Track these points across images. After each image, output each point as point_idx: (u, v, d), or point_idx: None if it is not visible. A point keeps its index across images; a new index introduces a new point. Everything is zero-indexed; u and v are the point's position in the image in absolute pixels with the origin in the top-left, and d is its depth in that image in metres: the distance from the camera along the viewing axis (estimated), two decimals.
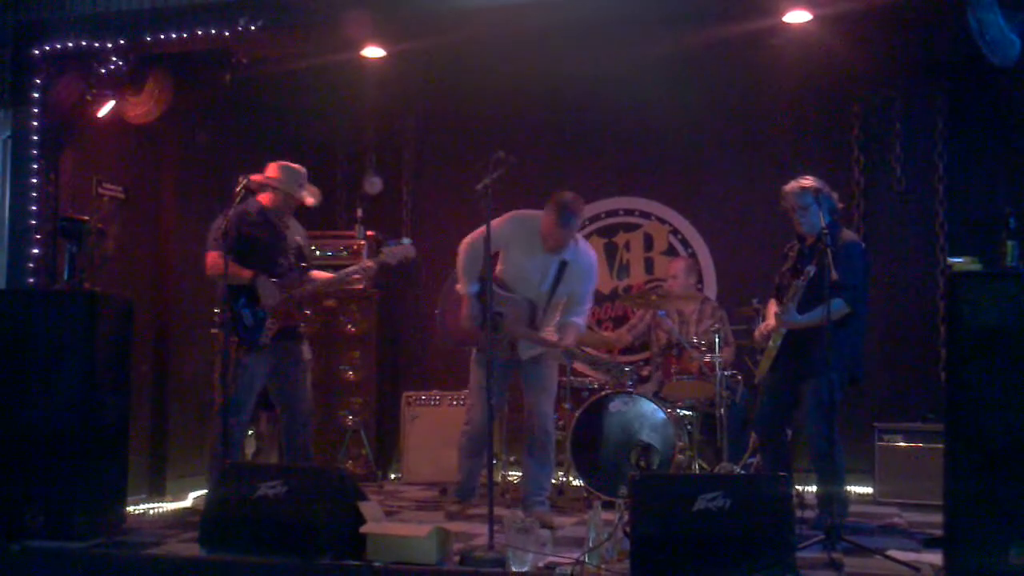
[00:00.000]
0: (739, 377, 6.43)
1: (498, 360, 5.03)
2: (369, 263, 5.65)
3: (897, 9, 5.73)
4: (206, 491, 4.99)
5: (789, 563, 3.95)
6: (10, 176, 5.84)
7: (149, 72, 6.06)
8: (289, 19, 5.77)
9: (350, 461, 7.09)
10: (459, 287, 5.55)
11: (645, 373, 6.76)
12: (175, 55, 6.04)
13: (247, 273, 5.28)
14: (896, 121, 7.06)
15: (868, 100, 7.14)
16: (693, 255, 7.47)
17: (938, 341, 6.71)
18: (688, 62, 6.68)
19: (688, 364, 6.34)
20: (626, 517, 4.26)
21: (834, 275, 4.70)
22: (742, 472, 5.94)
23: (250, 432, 6.58)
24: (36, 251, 5.72)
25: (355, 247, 7.19)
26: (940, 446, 4.64)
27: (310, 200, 5.65)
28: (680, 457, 6.03)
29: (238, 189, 5.32)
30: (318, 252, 7.23)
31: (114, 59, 5.86)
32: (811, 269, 4.99)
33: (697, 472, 6.15)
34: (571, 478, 6.39)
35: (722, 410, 6.03)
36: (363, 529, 4.32)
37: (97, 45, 5.83)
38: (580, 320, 5.47)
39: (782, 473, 4.53)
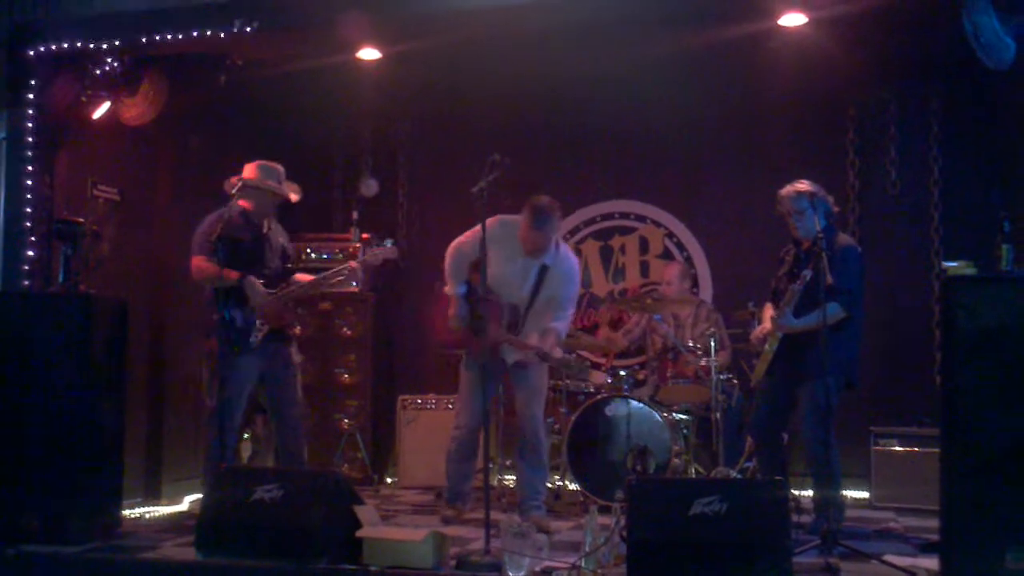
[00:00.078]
0: (735, 381, 6.44)
1: (487, 364, 5.03)
2: (352, 264, 5.67)
3: (892, 12, 5.73)
4: (202, 495, 4.97)
5: (785, 568, 3.95)
6: (5, 178, 5.82)
7: (144, 73, 6.04)
8: (284, 21, 5.76)
9: (346, 465, 7.07)
10: (446, 289, 5.58)
11: (641, 377, 6.76)
12: (170, 57, 6.02)
13: (234, 274, 5.26)
14: (891, 124, 7.08)
15: (863, 103, 7.15)
16: (689, 259, 7.47)
17: (933, 345, 6.72)
18: (684, 66, 6.67)
19: (684, 368, 6.34)
20: (622, 521, 4.26)
21: (830, 279, 4.71)
22: (738, 476, 5.95)
23: (246, 436, 6.57)
24: (31, 253, 5.70)
25: (351, 249, 7.18)
26: (936, 450, 4.65)
27: (293, 196, 5.64)
28: (676, 461, 6.04)
29: (234, 192, 5.32)
30: (313, 255, 7.23)
31: (109, 60, 5.85)
32: (807, 273, 4.99)
33: (693, 476, 6.14)
34: (568, 482, 6.39)
35: (718, 414, 6.02)
36: (359, 533, 4.31)
37: (92, 46, 5.80)
38: (561, 324, 5.47)
39: (778, 477, 4.53)
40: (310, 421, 6.52)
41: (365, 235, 7.34)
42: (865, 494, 6.43)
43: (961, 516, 4.13)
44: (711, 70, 6.84)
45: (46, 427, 4.94)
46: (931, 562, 4.33)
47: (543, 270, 5.43)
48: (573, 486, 6.29)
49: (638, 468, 5.83)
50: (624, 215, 7.72)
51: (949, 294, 4.33)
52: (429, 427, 6.96)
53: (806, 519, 5.16)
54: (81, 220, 5.39)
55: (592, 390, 6.49)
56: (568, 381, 6.40)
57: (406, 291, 7.70)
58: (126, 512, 5.64)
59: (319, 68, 6.51)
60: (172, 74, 6.17)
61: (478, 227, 5.35)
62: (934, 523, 4.44)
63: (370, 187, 7.82)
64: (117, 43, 5.79)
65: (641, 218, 7.68)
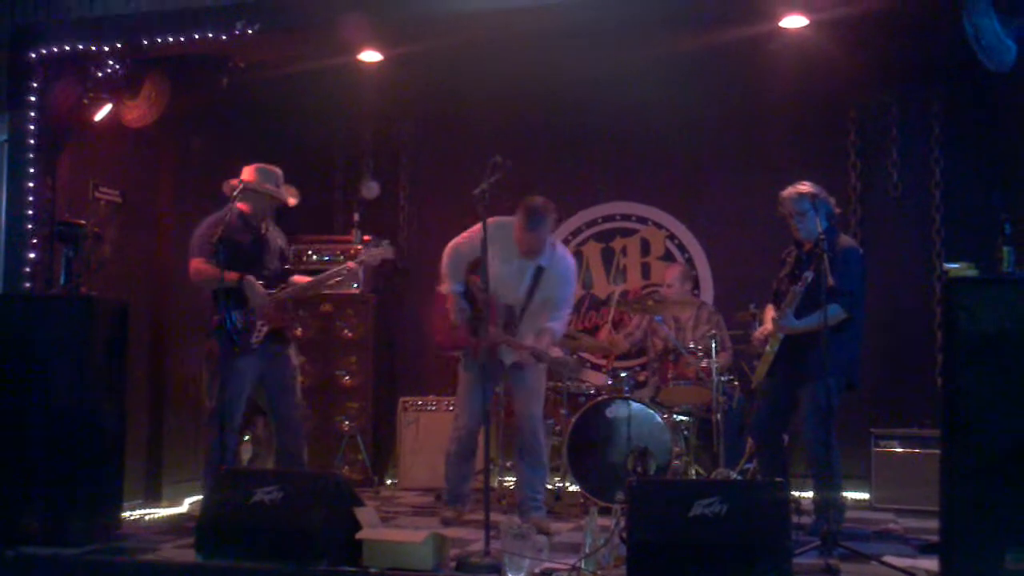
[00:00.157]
0: (736, 382, 6.43)
1: (486, 364, 5.04)
2: (351, 264, 5.68)
3: (893, 15, 5.74)
4: (202, 496, 4.97)
5: (785, 569, 3.95)
6: (6, 180, 5.82)
7: (146, 76, 6.04)
8: (286, 23, 5.76)
9: (346, 466, 7.07)
10: (442, 287, 5.58)
11: (642, 378, 6.76)
12: (172, 59, 6.03)
13: (233, 275, 5.26)
14: (892, 126, 7.08)
15: (865, 105, 7.15)
16: (690, 260, 7.47)
17: (935, 347, 6.72)
18: (685, 67, 6.68)
19: (685, 369, 6.34)
20: (623, 523, 4.26)
21: (831, 281, 4.71)
22: (739, 478, 5.95)
23: (246, 437, 6.57)
24: (33, 255, 5.71)
25: (352, 251, 7.17)
26: (937, 452, 4.65)
27: (291, 200, 5.65)
28: (677, 463, 6.04)
29: (235, 193, 5.33)
30: (315, 256, 7.23)
31: (111, 63, 5.85)
32: (809, 275, 4.99)
33: (694, 478, 6.14)
34: (568, 483, 6.38)
35: (719, 415, 6.02)
36: (359, 535, 4.31)
37: (94, 48, 5.81)
38: (557, 325, 5.47)
39: (779, 479, 4.54)
40: (311, 423, 6.52)
41: (366, 237, 7.32)
42: (865, 495, 6.43)
43: (961, 517, 4.13)
44: (712, 72, 6.84)
45: (46, 429, 4.94)
46: (931, 563, 4.32)
47: (539, 271, 5.44)
48: (573, 487, 6.29)
49: (638, 469, 5.83)
50: (625, 217, 7.72)
51: (950, 296, 4.34)
52: (429, 429, 6.97)
53: (806, 520, 5.16)
54: (82, 222, 5.40)
55: (593, 391, 6.49)
56: (568, 382, 6.41)
57: (407, 293, 7.71)
58: (126, 514, 5.64)
59: (320, 70, 6.52)
60: (174, 76, 6.17)
61: (475, 228, 5.41)
62: (934, 524, 4.44)
63: (371, 189, 7.82)
64: (119, 45, 5.79)
65: (642, 220, 7.68)
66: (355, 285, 7.22)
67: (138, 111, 6.08)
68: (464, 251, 5.51)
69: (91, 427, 5.01)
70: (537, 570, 4.20)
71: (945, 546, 4.21)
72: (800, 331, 5.10)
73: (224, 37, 5.67)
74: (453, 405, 6.81)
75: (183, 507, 6.31)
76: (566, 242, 7.70)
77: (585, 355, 7.63)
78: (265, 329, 5.38)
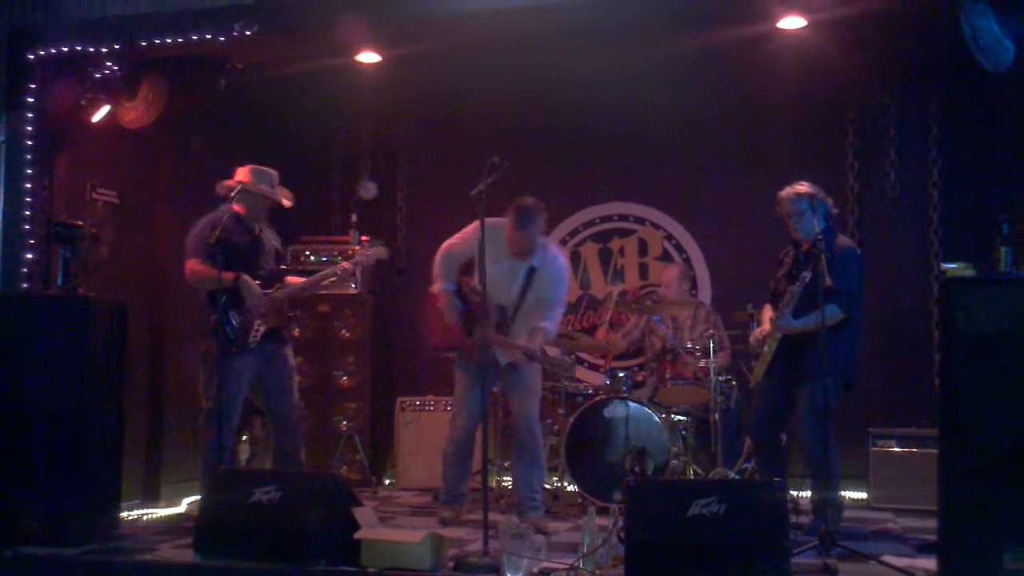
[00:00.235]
0: (734, 382, 6.44)
1: (483, 364, 5.05)
2: (345, 264, 5.69)
3: (891, 15, 5.74)
4: (200, 497, 4.97)
5: (784, 568, 3.95)
6: (4, 181, 5.83)
7: (144, 77, 6.04)
8: (284, 24, 5.76)
9: (344, 467, 7.07)
10: (435, 287, 5.59)
11: (640, 378, 6.76)
12: (170, 60, 6.03)
13: (229, 275, 5.26)
14: (890, 126, 7.08)
15: (863, 106, 7.16)
16: (687, 261, 7.47)
17: (932, 347, 6.72)
18: (683, 68, 6.68)
19: (683, 369, 6.34)
20: (621, 523, 4.26)
21: (829, 281, 4.72)
22: (737, 477, 5.95)
23: (244, 438, 6.57)
24: (30, 256, 5.71)
25: (350, 252, 7.17)
26: (934, 451, 4.66)
27: (286, 202, 5.65)
28: (675, 462, 6.04)
29: (233, 195, 5.33)
30: (312, 257, 7.23)
31: (109, 64, 5.85)
32: (807, 275, 4.99)
33: (692, 477, 6.14)
34: (566, 483, 6.39)
35: (717, 415, 6.03)
36: (357, 535, 4.31)
37: (92, 50, 5.81)
38: (549, 324, 5.48)
39: (777, 478, 4.54)
40: (308, 423, 6.51)
41: (364, 237, 7.34)
42: (863, 495, 6.44)
43: (959, 517, 4.13)
44: (711, 73, 6.85)
45: (45, 429, 4.94)
46: (929, 563, 4.33)
47: (531, 271, 5.46)
48: (571, 487, 6.30)
49: (636, 469, 5.84)
50: (623, 217, 7.72)
51: (948, 296, 4.34)
52: (427, 429, 6.97)
53: (804, 520, 5.16)
54: (80, 223, 5.39)
55: (591, 391, 6.49)
56: (566, 382, 6.41)
57: (405, 293, 7.70)
58: (124, 514, 5.64)
59: (319, 71, 6.52)
60: (172, 77, 6.18)
61: (468, 229, 5.45)
62: (932, 524, 4.44)
63: (369, 190, 7.82)
64: (117, 46, 5.79)
65: (640, 220, 7.69)
66: (353, 286, 7.23)
67: (136, 112, 6.08)
68: (457, 252, 5.53)
69: (90, 427, 5.01)
70: (535, 570, 4.20)
71: (943, 546, 4.21)
72: (798, 331, 5.10)
73: (222, 38, 5.68)
74: (451, 405, 6.84)
75: (181, 507, 6.32)
76: (564, 242, 7.70)
77: (583, 355, 7.63)
78: (262, 329, 5.38)
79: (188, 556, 4.49)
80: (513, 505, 5.67)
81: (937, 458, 4.40)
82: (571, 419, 6.14)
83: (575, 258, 7.72)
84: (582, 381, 7.06)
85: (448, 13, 5.54)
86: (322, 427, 7.09)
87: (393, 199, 8.01)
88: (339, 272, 5.63)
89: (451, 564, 4.32)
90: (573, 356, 7.49)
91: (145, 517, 6.00)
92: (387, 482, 7.38)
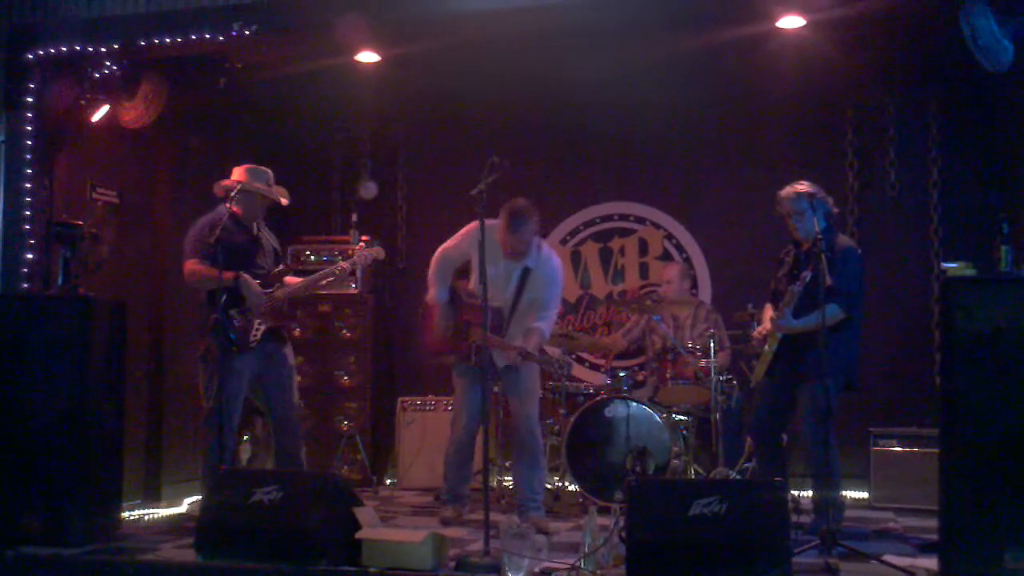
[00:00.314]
0: (734, 382, 6.43)
1: (482, 364, 5.05)
2: (343, 264, 5.71)
3: (891, 15, 5.75)
4: (201, 497, 4.97)
5: (785, 568, 3.95)
6: (4, 181, 5.82)
7: (143, 76, 6.05)
8: (283, 24, 5.76)
9: (345, 467, 7.07)
10: (429, 296, 5.60)
11: (640, 378, 6.75)
12: (169, 60, 6.02)
13: (229, 274, 5.26)
14: (890, 126, 7.08)
15: (862, 105, 7.15)
16: (688, 260, 7.47)
17: (933, 346, 6.72)
18: (683, 67, 6.69)
19: (683, 369, 6.34)
20: (622, 522, 4.26)
21: (829, 281, 4.72)
22: (738, 477, 5.95)
23: (246, 437, 6.57)
24: (30, 256, 5.70)
25: (350, 252, 7.17)
26: (935, 451, 4.65)
27: (283, 200, 5.65)
28: (675, 462, 6.04)
29: (233, 195, 5.32)
30: (312, 257, 7.22)
31: (108, 63, 5.85)
32: (807, 274, 4.99)
33: (693, 477, 6.14)
34: (567, 483, 6.38)
35: (717, 415, 6.02)
36: (359, 535, 4.31)
37: (91, 49, 5.81)
38: (544, 325, 5.49)
39: (778, 478, 4.53)
40: (309, 423, 6.52)
41: (364, 237, 7.33)
42: (864, 494, 6.43)
43: (960, 516, 4.14)
44: (710, 72, 6.85)
45: (46, 429, 4.94)
46: (930, 562, 4.33)
47: (526, 272, 5.47)
48: (572, 487, 6.29)
49: (637, 469, 5.83)
50: (623, 217, 7.72)
51: (948, 295, 4.34)
52: (428, 429, 6.96)
53: (805, 519, 5.16)
54: (80, 223, 5.40)
55: (592, 391, 6.49)
56: (566, 382, 6.41)
57: (405, 293, 7.69)
58: (125, 514, 5.64)
59: (318, 71, 6.52)
60: (171, 77, 6.18)
61: (463, 231, 5.48)
62: (933, 523, 4.44)
63: (369, 190, 7.82)
64: (116, 46, 5.79)
65: (640, 220, 7.68)
66: (353, 286, 7.22)
67: (135, 112, 6.08)
68: (452, 255, 5.54)
69: (90, 427, 5.00)
70: (536, 569, 4.20)
71: (944, 545, 4.21)
72: (798, 331, 5.10)
73: (221, 38, 5.67)
74: (451, 406, 6.84)
75: (182, 507, 6.32)
76: (564, 242, 7.70)
77: (584, 355, 7.63)
78: (263, 328, 5.38)
79: (189, 556, 4.49)
80: (514, 505, 5.67)
81: (938, 457, 4.40)
82: (572, 419, 6.14)
83: (575, 258, 7.72)
84: (582, 381, 7.07)
85: (448, 13, 5.54)
86: (323, 427, 7.09)
87: (393, 199, 8.00)
88: (337, 272, 5.65)
89: (452, 564, 4.32)
90: (573, 356, 7.51)
91: (146, 517, 6.00)
92: (388, 482, 7.38)
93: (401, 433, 7.10)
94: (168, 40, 5.73)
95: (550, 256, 5.62)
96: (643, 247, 7.67)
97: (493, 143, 6.22)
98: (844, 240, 5.36)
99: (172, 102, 6.22)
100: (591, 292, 7.72)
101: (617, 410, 6.07)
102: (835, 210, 5.36)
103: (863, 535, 5.24)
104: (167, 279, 6.49)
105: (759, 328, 5.46)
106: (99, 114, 5.97)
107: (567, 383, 6.45)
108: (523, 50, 6.28)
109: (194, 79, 6.32)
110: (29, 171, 5.75)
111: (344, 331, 7.25)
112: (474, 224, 5.28)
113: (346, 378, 7.21)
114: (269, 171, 5.58)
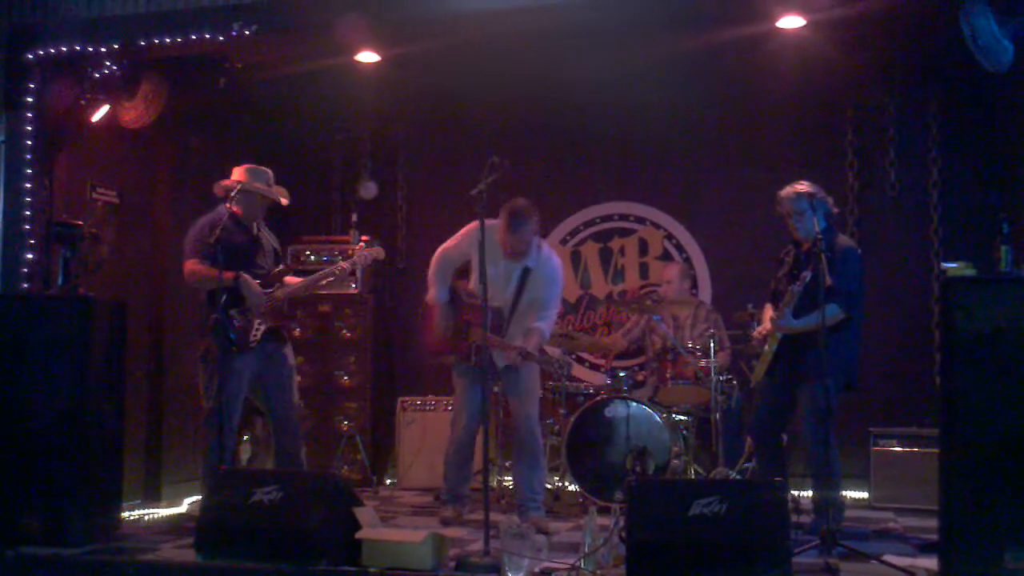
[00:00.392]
0: (734, 382, 6.44)
1: (481, 364, 5.05)
2: (343, 264, 5.72)
3: (891, 15, 5.75)
4: (201, 497, 4.98)
5: (785, 568, 3.95)
6: (4, 181, 5.82)
7: (143, 77, 6.05)
8: (283, 24, 5.76)
9: (345, 467, 7.07)
10: (429, 296, 5.60)
11: (640, 378, 6.76)
12: (169, 60, 6.02)
13: (229, 274, 5.26)
14: (890, 126, 7.08)
15: (862, 105, 7.15)
16: (688, 260, 7.47)
17: (933, 346, 6.72)
18: (683, 67, 6.69)
19: (683, 369, 6.34)
20: (622, 522, 4.26)
21: (829, 281, 4.72)
22: (738, 477, 5.95)
23: (246, 437, 6.57)
24: (30, 256, 5.70)
25: (350, 252, 7.17)
26: (935, 451, 4.65)
27: (283, 200, 5.65)
28: (676, 462, 6.04)
29: (233, 195, 5.32)
30: (312, 257, 7.23)
31: (108, 63, 5.85)
32: (807, 274, 4.99)
33: (693, 477, 6.14)
34: (567, 483, 6.38)
35: (717, 415, 6.02)
36: (359, 535, 4.31)
37: (91, 49, 5.81)
38: (544, 324, 5.50)
39: (778, 478, 4.53)
40: (309, 423, 6.52)
41: (365, 237, 7.32)
42: (864, 494, 6.43)
43: (960, 516, 4.14)
44: (710, 72, 6.85)
45: (46, 429, 4.94)
46: (930, 562, 4.33)
47: (526, 272, 5.47)
48: (572, 487, 6.29)
49: (637, 469, 5.83)
50: (623, 217, 7.72)
51: (948, 295, 4.34)
52: (428, 429, 6.96)
53: (806, 519, 5.16)
54: (80, 223, 5.39)
55: (592, 391, 6.49)
56: (566, 382, 6.41)
57: (405, 293, 7.69)
58: (125, 514, 5.64)
59: (318, 71, 6.52)
60: (171, 77, 6.18)
61: (463, 232, 5.48)
62: (933, 523, 4.44)
63: (369, 190, 7.82)
64: (116, 46, 5.79)
65: (640, 220, 7.68)
66: (353, 286, 7.23)
67: (135, 112, 6.08)
68: (452, 256, 5.55)
69: (90, 427, 5.00)
70: (536, 569, 4.20)
71: (944, 545, 4.21)
72: (798, 331, 5.10)
73: (221, 38, 5.67)
74: (452, 406, 6.84)
75: (182, 507, 6.32)
76: (564, 242, 7.71)
77: (584, 355, 7.63)
78: (263, 328, 5.38)
79: (189, 556, 4.49)
80: (514, 505, 5.67)
81: (938, 457, 4.40)
82: (572, 419, 6.14)
83: (575, 258, 7.72)
84: (582, 381, 7.07)
85: (448, 13, 5.54)
86: (323, 427, 7.09)
87: (393, 199, 8.00)
88: (337, 272, 5.65)
89: (452, 564, 4.32)
90: (573, 356, 7.51)
91: (146, 517, 6.00)
92: (388, 482, 7.38)
93: (401, 433, 7.10)
94: (168, 40, 5.73)
95: (550, 256, 5.62)
96: (643, 247, 7.67)
97: (493, 143, 6.21)
98: (844, 240, 5.36)
99: (172, 102, 6.22)
100: (591, 292, 7.72)
101: (617, 410, 6.07)
102: (835, 210, 5.36)
103: (863, 535, 5.24)
104: (167, 279, 6.48)
105: (759, 328, 5.46)
106: (99, 114, 5.97)
107: (567, 383, 6.46)
108: (523, 50, 6.28)
109: (194, 79, 6.32)
110: (29, 171, 5.75)
111: (344, 331, 7.24)
112: (474, 224, 5.27)
113: (346, 378, 7.21)
114: (269, 171, 5.58)
